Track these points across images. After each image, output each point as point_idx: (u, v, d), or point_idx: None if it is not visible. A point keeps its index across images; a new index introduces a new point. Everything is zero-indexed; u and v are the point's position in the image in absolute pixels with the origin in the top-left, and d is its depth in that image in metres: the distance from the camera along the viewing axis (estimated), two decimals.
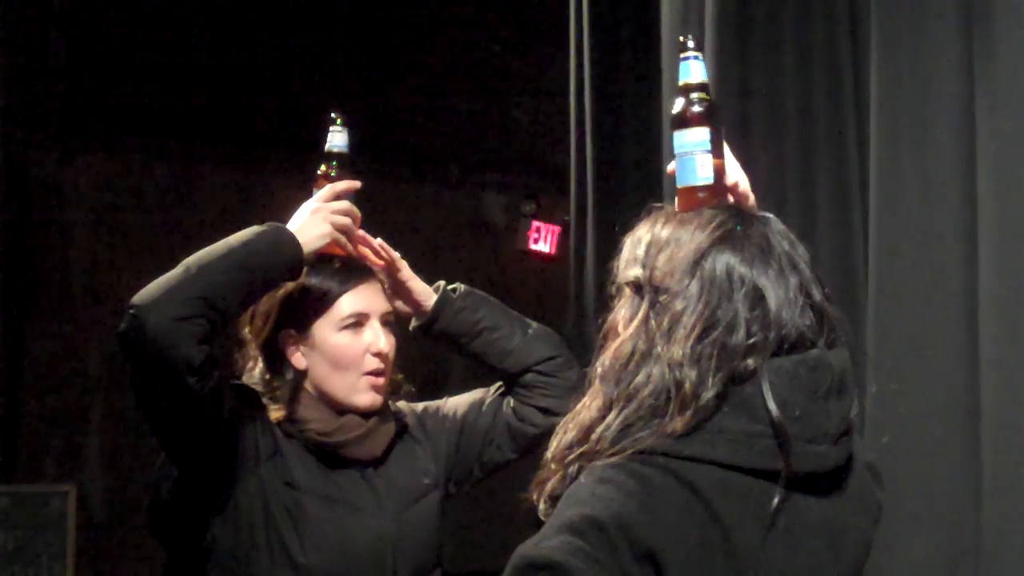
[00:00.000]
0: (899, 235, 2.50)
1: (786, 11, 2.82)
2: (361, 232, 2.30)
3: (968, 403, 2.39)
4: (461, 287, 2.41)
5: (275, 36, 6.20)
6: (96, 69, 5.90)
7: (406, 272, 2.36)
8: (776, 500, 1.39)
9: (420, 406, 2.44)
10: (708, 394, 1.39)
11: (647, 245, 1.52)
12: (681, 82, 1.68)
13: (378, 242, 2.34)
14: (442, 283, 2.40)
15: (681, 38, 1.71)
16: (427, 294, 2.37)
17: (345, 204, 2.20)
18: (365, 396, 2.21)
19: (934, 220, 2.45)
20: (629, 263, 1.53)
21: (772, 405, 1.39)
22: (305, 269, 2.19)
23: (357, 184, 2.23)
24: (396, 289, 2.35)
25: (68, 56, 5.90)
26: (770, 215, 1.57)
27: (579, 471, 1.43)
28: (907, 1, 2.52)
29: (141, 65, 5.90)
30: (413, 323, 2.39)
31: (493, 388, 2.46)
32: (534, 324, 2.44)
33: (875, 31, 2.56)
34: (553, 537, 1.35)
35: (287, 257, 2.09)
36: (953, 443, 2.41)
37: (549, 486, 1.48)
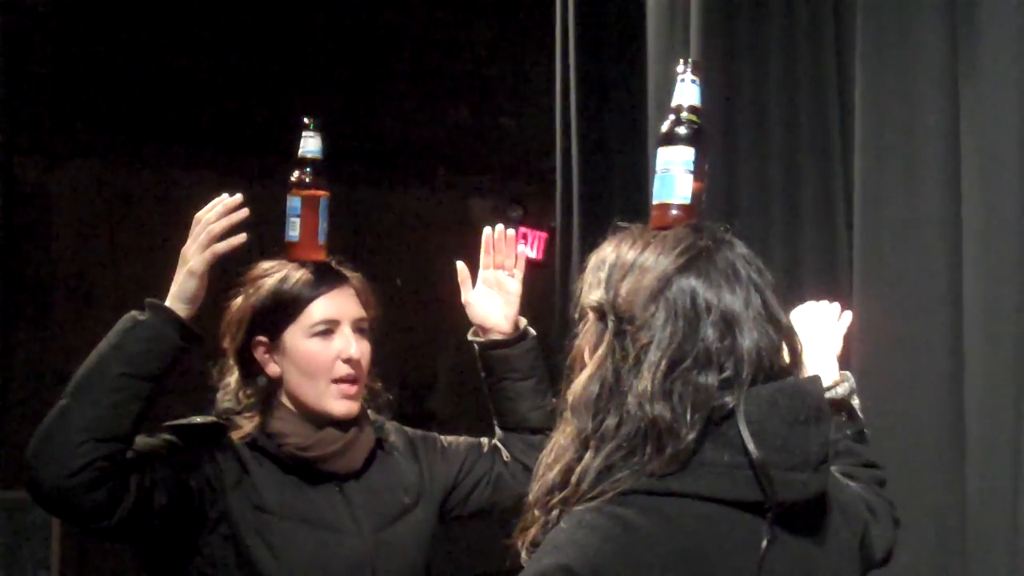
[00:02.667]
0: (883, 239, 2.51)
1: (771, 18, 2.83)
2: (510, 232, 2.38)
3: (953, 405, 2.40)
4: (531, 330, 2.43)
5: (260, 42, 6.19)
6: (80, 75, 5.88)
7: (517, 284, 2.40)
8: (765, 540, 1.38)
9: (411, 430, 2.43)
10: (689, 435, 1.37)
11: (610, 268, 1.49)
12: (674, 102, 1.68)
13: (511, 236, 2.39)
14: (523, 319, 2.42)
15: (681, 60, 1.71)
16: (512, 315, 2.40)
17: (207, 227, 2.10)
18: (338, 403, 2.18)
19: (919, 225, 2.46)
20: (592, 286, 1.51)
21: (750, 442, 1.37)
22: (282, 276, 2.19)
23: (235, 201, 2.13)
24: (490, 292, 2.39)
25: (52, 61, 5.88)
26: (733, 238, 1.54)
27: (560, 516, 1.42)
28: (892, 7, 2.53)
29: (125, 71, 5.89)
30: (479, 335, 2.41)
31: (487, 439, 2.46)
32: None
33: (860, 36, 2.57)
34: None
35: (167, 343, 1.97)
36: (938, 444, 2.42)
37: (531, 532, 1.46)
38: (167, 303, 2.00)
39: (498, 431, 2.44)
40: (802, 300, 1.93)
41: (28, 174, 5.91)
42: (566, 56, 3.73)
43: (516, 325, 2.40)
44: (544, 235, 6.75)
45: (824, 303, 2.04)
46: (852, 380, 1.96)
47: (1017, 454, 2.27)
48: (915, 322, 2.45)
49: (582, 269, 1.55)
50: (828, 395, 1.79)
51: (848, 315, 2.07)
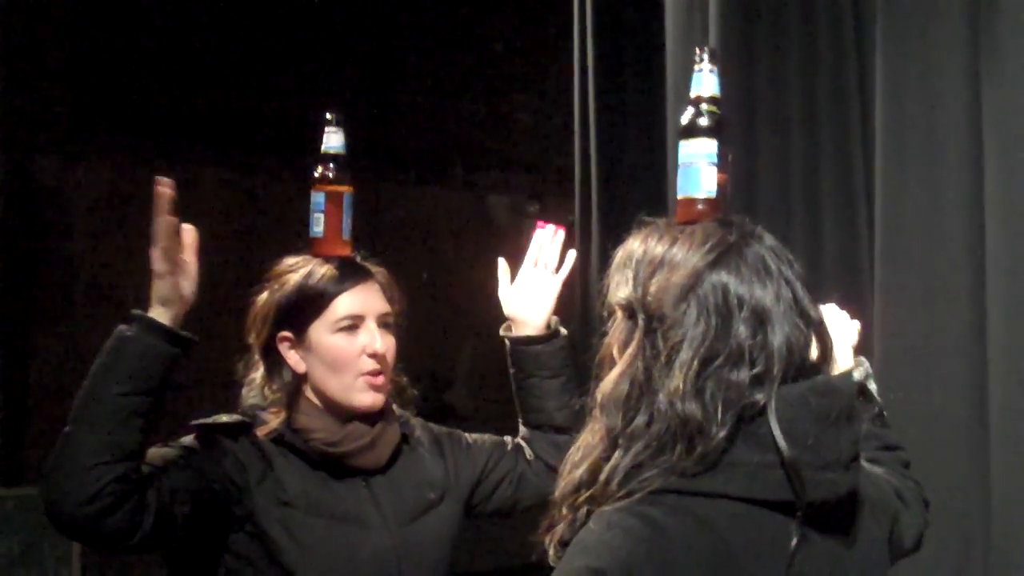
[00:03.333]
0: (904, 239, 2.50)
1: (790, 15, 2.82)
2: (561, 234, 2.42)
3: (975, 405, 2.39)
4: (563, 329, 2.44)
5: (277, 38, 6.20)
6: (98, 73, 5.90)
7: (558, 282, 2.43)
8: (795, 540, 1.37)
9: (436, 426, 2.43)
10: (720, 433, 1.36)
11: (638, 265, 1.48)
12: (693, 93, 1.65)
13: (561, 234, 2.44)
14: (555, 317, 2.44)
15: (697, 49, 1.68)
16: (548, 313, 2.41)
17: (159, 234, 2.04)
18: (364, 396, 2.18)
19: (940, 224, 2.45)
20: (620, 284, 1.49)
21: (781, 440, 1.36)
22: (307, 271, 2.19)
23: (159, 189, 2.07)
24: (530, 287, 2.40)
25: (70, 60, 5.90)
26: (762, 230, 1.53)
27: (588, 515, 1.41)
28: (912, 5, 2.51)
29: (143, 69, 5.91)
30: (511, 331, 2.42)
31: (510, 438, 2.46)
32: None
33: (880, 34, 2.56)
34: None
35: (157, 355, 1.94)
36: (960, 445, 2.41)
37: (559, 531, 1.45)
38: (150, 312, 1.98)
39: (523, 429, 2.44)
40: (823, 298, 1.91)
41: (46, 174, 5.93)
42: (584, 50, 3.72)
43: (548, 323, 2.41)
44: (562, 230, 6.75)
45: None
46: (867, 364, 1.94)
47: None
48: (937, 319, 2.44)
49: (607, 265, 1.53)
50: None
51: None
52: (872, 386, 1.93)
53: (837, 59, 2.74)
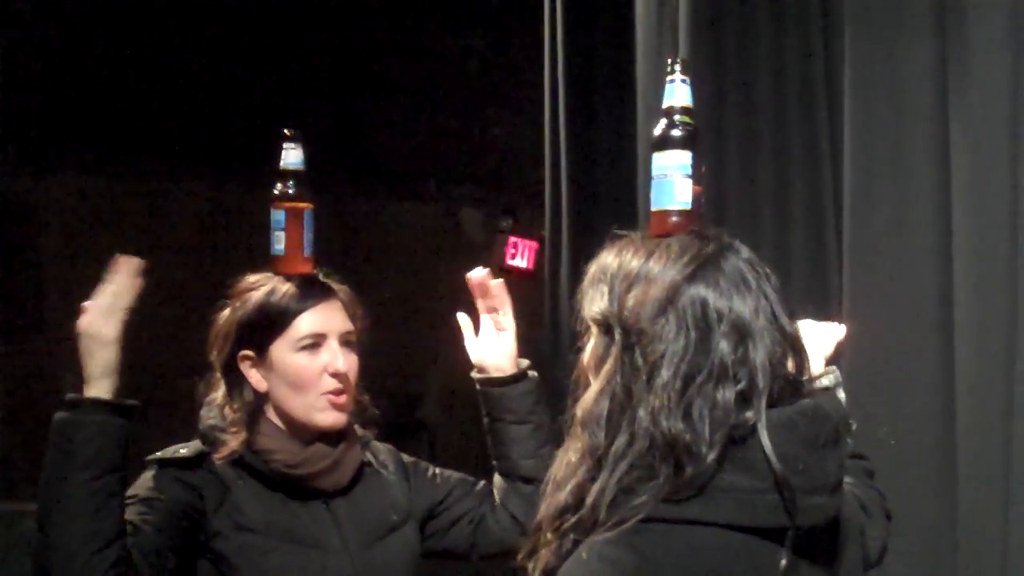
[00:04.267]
0: (873, 249, 2.51)
1: (759, 27, 2.83)
2: (485, 273, 2.31)
3: (943, 414, 2.39)
4: (533, 373, 2.36)
5: (248, 53, 6.19)
6: (69, 87, 5.88)
7: (510, 322, 2.32)
8: (784, 562, 1.34)
9: (405, 455, 2.41)
10: (710, 455, 1.33)
11: (612, 279, 1.45)
12: (665, 104, 1.64)
13: (497, 283, 2.31)
14: (525, 361, 2.36)
15: (669, 60, 1.66)
16: (511, 355, 2.32)
17: (117, 297, 2.00)
18: (326, 415, 2.15)
19: (908, 234, 2.46)
20: (595, 298, 1.46)
21: (776, 462, 1.33)
22: (269, 288, 2.18)
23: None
24: (490, 333, 2.33)
25: (41, 74, 5.87)
26: (737, 242, 1.51)
27: (575, 543, 1.38)
28: (880, 15, 2.52)
29: (113, 83, 5.89)
30: (479, 373, 2.33)
31: (484, 482, 2.40)
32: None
33: (848, 44, 2.57)
34: None
35: (113, 432, 1.89)
36: (928, 452, 2.42)
37: (543, 557, 1.42)
38: (89, 388, 1.93)
39: (496, 476, 2.38)
40: (791, 306, 1.91)
41: (16, 186, 5.90)
42: (554, 64, 3.72)
43: (517, 365, 2.34)
44: (535, 244, 6.75)
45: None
46: (837, 373, 1.93)
47: (1007, 462, 2.27)
48: (904, 329, 2.45)
49: (580, 279, 1.51)
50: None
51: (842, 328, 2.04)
52: (841, 395, 1.92)
53: (805, 69, 2.75)
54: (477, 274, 2.32)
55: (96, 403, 1.91)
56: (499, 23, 6.42)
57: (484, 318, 2.34)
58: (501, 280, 2.33)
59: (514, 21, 5.89)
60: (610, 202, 3.54)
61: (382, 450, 2.35)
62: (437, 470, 2.41)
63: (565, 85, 3.67)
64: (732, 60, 2.85)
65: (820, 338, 1.95)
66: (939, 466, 2.41)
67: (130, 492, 2.00)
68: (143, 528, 1.96)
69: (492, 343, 2.32)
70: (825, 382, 1.87)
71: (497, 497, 2.35)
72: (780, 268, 2.64)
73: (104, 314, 1.97)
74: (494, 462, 2.35)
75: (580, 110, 3.66)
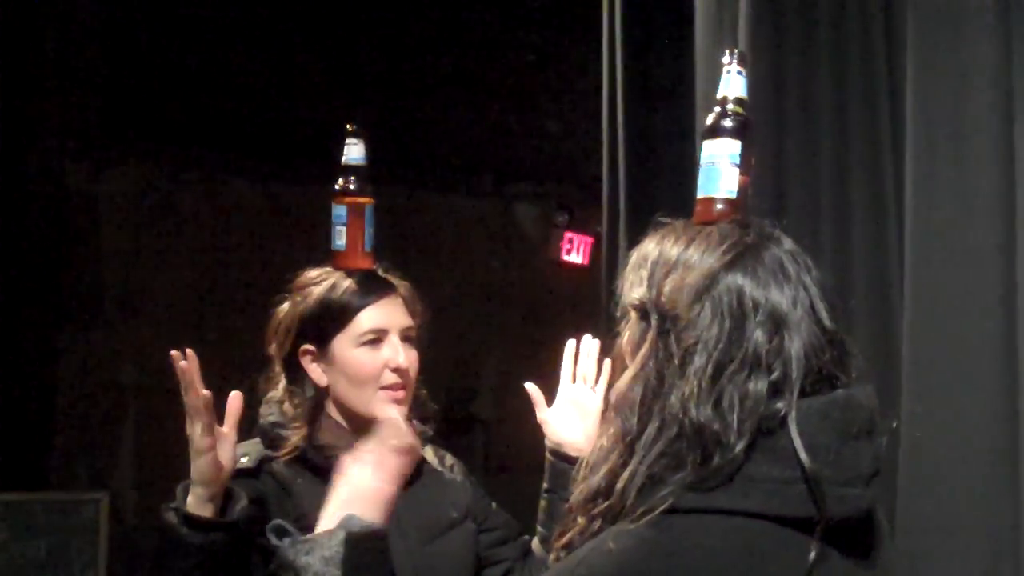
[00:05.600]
0: (935, 244, 2.47)
1: (820, 16, 2.80)
2: (594, 341, 2.29)
3: (1006, 413, 2.35)
4: None
5: (306, 47, 6.22)
6: (129, 80, 5.94)
7: (597, 401, 2.25)
8: (813, 553, 1.33)
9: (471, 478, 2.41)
10: (738, 444, 1.33)
11: (652, 265, 1.46)
12: (719, 94, 1.64)
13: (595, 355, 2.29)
14: None
15: (727, 51, 1.67)
16: (591, 435, 2.28)
17: (194, 412, 1.99)
18: (386, 409, 2.13)
19: (971, 229, 2.42)
20: (634, 284, 1.47)
21: (803, 453, 1.32)
22: (330, 284, 2.19)
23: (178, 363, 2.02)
24: (570, 408, 2.29)
25: (101, 67, 5.94)
26: (780, 233, 1.50)
27: (601, 528, 1.39)
28: (944, 5, 2.49)
29: (174, 77, 5.94)
30: (554, 445, 2.28)
31: (526, 538, 2.38)
32: None
33: (911, 35, 2.54)
34: None
35: (208, 543, 1.93)
36: (990, 453, 2.38)
37: (569, 536, 1.43)
38: (192, 497, 1.95)
39: (535, 542, 2.35)
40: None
41: (78, 180, 5.97)
42: (613, 58, 3.70)
43: None
44: (591, 240, 6.74)
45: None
46: None
47: None
48: (967, 323, 2.41)
49: (623, 265, 1.52)
50: None
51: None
52: None
53: (866, 61, 2.72)
54: (574, 344, 2.29)
55: (191, 520, 1.93)
56: (557, 17, 6.41)
57: (567, 389, 2.29)
58: (596, 354, 2.27)
59: (572, 15, 5.88)
60: (667, 197, 3.52)
61: (449, 457, 2.36)
62: (494, 503, 2.40)
63: (623, 80, 3.65)
64: (792, 52, 2.82)
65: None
66: (1000, 468, 2.37)
67: None
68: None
69: (572, 421, 2.27)
70: None
71: (531, 563, 2.33)
72: (840, 261, 2.64)
73: (195, 427, 1.96)
74: (539, 529, 2.31)
75: (638, 105, 3.64)
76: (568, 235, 6.85)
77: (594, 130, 4.00)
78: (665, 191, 3.54)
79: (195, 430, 1.95)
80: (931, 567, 2.30)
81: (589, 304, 4.68)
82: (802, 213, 2.74)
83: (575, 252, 6.85)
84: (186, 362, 1.98)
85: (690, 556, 1.31)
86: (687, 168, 3.28)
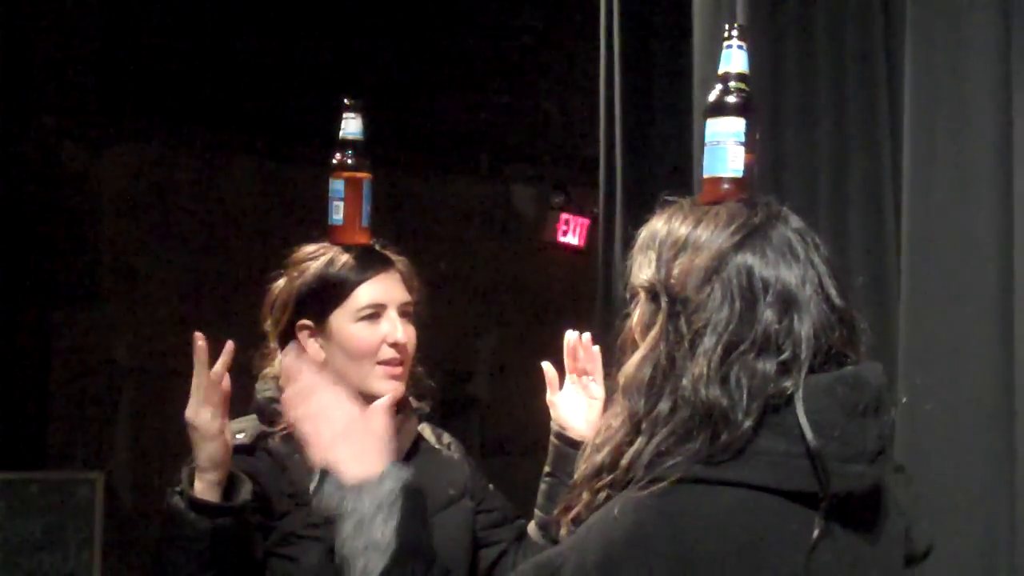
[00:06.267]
0: (932, 230, 2.47)
1: (819, 2, 2.80)
2: (586, 336, 2.26)
3: (1002, 401, 2.36)
4: None
5: (305, 25, 6.20)
6: (128, 60, 5.92)
7: (600, 391, 2.23)
8: (816, 531, 1.34)
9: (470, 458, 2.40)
10: (746, 421, 1.33)
11: (660, 245, 1.46)
12: (721, 70, 1.62)
13: (592, 349, 2.25)
14: None
15: (726, 26, 1.64)
16: (594, 423, 2.21)
17: (206, 394, 1.95)
18: (383, 384, 2.15)
19: (968, 215, 2.42)
20: (643, 265, 1.47)
21: (808, 430, 1.33)
22: (328, 259, 2.18)
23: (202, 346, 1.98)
24: (576, 395, 2.27)
25: (99, 46, 5.92)
26: (787, 211, 1.50)
27: (607, 498, 1.39)
28: None
29: (171, 56, 5.92)
30: (559, 429, 2.26)
31: (522, 520, 2.37)
32: None
33: (910, 21, 2.53)
34: (565, 551, 1.35)
35: (213, 540, 1.93)
36: (986, 440, 2.38)
37: (575, 510, 1.44)
38: (199, 484, 1.94)
39: (531, 525, 2.33)
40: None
41: (75, 159, 5.96)
42: (610, 38, 3.69)
43: None
44: (587, 221, 6.73)
45: None
46: None
47: None
48: (964, 309, 2.41)
49: (631, 246, 1.51)
50: None
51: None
52: None
53: (866, 47, 2.71)
54: (573, 336, 2.29)
55: (200, 505, 1.93)
56: None
57: (572, 379, 2.29)
58: (597, 348, 2.27)
59: None
60: (665, 178, 3.51)
61: (447, 435, 2.35)
62: (491, 485, 2.40)
63: (621, 60, 3.64)
64: (791, 32, 2.82)
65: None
66: (996, 457, 2.38)
67: None
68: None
69: (578, 406, 2.26)
70: None
71: (526, 543, 2.32)
72: (837, 245, 2.64)
73: (203, 406, 1.95)
74: (537, 513, 2.30)
75: (636, 85, 3.63)
76: (564, 216, 6.84)
77: (590, 111, 4.00)
78: (662, 172, 3.53)
79: (203, 414, 1.94)
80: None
81: (585, 285, 4.68)
82: (799, 197, 2.73)
83: (571, 233, 6.84)
84: (204, 343, 1.97)
85: (695, 523, 1.32)
86: (685, 149, 3.28)
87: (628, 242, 3.42)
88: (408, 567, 1.39)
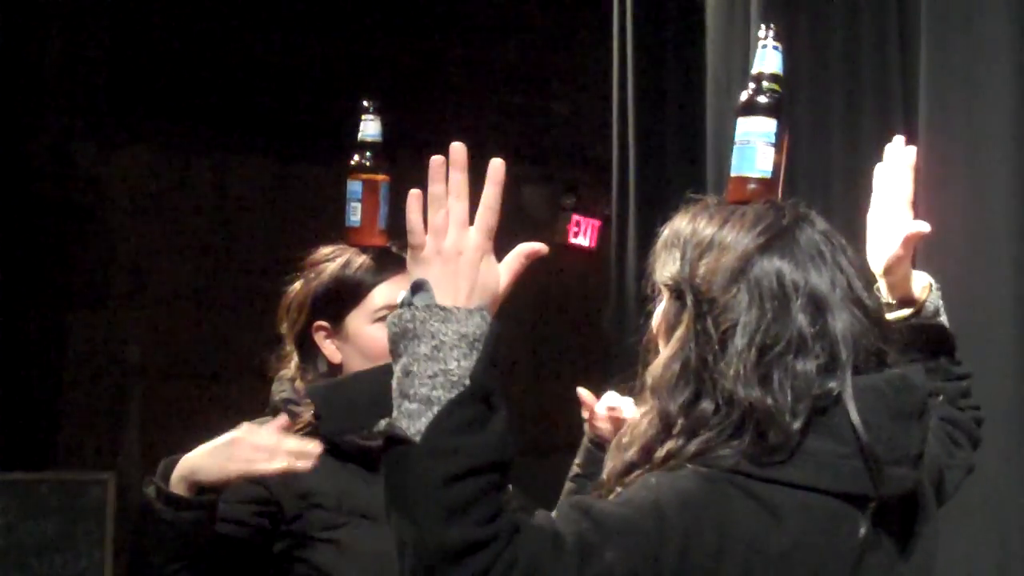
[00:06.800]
0: (947, 229, 2.47)
1: (833, 2, 2.80)
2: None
3: (1017, 400, 2.35)
4: None
5: (315, 27, 6.20)
6: (137, 60, 5.92)
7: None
8: (863, 529, 1.33)
9: None
10: (795, 424, 1.32)
11: (685, 244, 1.44)
12: (755, 70, 1.61)
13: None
14: None
15: (763, 25, 1.64)
16: None
17: (269, 441, 1.90)
18: None
19: (983, 213, 2.42)
20: (667, 263, 1.46)
21: (861, 429, 1.32)
22: (344, 261, 2.18)
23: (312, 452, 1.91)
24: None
25: (110, 46, 5.92)
26: (813, 213, 1.49)
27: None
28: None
29: (181, 56, 5.93)
30: (596, 437, 2.20)
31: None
32: None
33: (924, 23, 2.53)
34: (612, 503, 1.31)
35: (171, 533, 1.88)
36: (1001, 441, 2.37)
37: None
38: (172, 481, 1.90)
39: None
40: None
41: (85, 159, 5.96)
42: (623, 39, 3.70)
43: None
44: (597, 223, 6.72)
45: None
46: (937, 293, 1.88)
47: None
48: (979, 306, 2.41)
49: (648, 254, 1.50)
50: (916, 321, 1.79)
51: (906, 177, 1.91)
52: (943, 318, 1.87)
53: (880, 47, 2.71)
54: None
55: (170, 499, 1.89)
56: None
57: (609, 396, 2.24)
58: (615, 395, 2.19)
59: None
60: (677, 179, 3.52)
61: None
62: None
63: (634, 61, 3.65)
64: (805, 32, 2.82)
65: (885, 237, 1.87)
66: (1011, 450, 2.38)
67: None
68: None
69: (613, 426, 2.19)
70: (929, 307, 1.84)
71: None
72: (850, 245, 2.63)
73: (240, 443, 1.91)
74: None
75: (648, 87, 3.64)
76: (575, 218, 6.83)
77: (602, 112, 4.00)
78: (675, 173, 3.54)
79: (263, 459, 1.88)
80: (940, 554, 2.30)
81: (596, 287, 4.67)
82: (812, 199, 2.73)
83: (582, 235, 6.83)
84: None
85: (739, 509, 1.30)
86: (698, 150, 3.28)
87: (641, 243, 3.45)
88: (473, 408, 1.27)
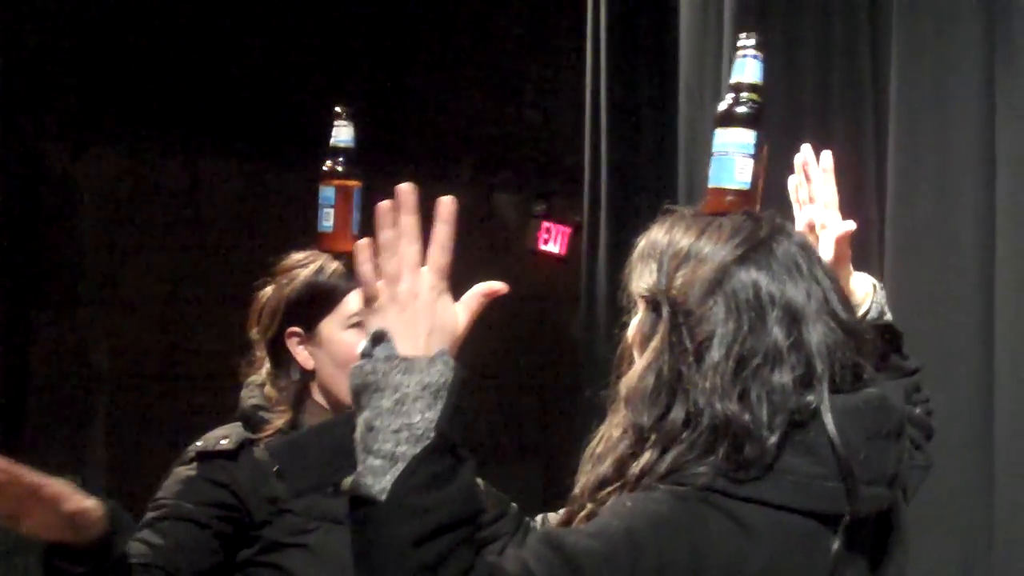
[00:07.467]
0: (915, 234, 2.49)
1: (805, 10, 2.81)
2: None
3: (983, 406, 2.37)
4: None
5: (287, 32, 6.19)
6: (108, 63, 5.89)
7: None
8: (835, 545, 1.32)
9: None
10: (771, 439, 1.31)
11: (662, 255, 1.43)
12: (733, 79, 1.60)
13: None
14: None
15: (743, 34, 1.62)
16: None
17: None
18: None
19: (951, 219, 2.44)
20: (643, 274, 1.44)
21: (839, 445, 1.32)
22: (316, 267, 2.17)
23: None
24: None
25: (80, 49, 5.89)
26: (790, 225, 1.48)
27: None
28: (928, 2, 2.50)
29: (153, 59, 5.90)
30: None
31: (515, 506, 2.30)
32: None
33: (896, 31, 2.55)
34: (584, 534, 1.29)
35: None
36: (967, 447, 2.40)
37: (578, 520, 1.41)
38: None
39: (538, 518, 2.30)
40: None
41: (56, 161, 5.93)
42: (597, 47, 3.71)
43: None
44: (568, 230, 6.73)
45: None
46: (882, 292, 1.86)
47: None
48: (945, 317, 2.43)
49: (621, 262, 1.50)
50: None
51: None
52: (888, 316, 1.85)
53: (851, 56, 2.73)
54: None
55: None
56: (541, 5, 6.40)
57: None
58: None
59: (556, 3, 5.88)
60: (648, 187, 3.52)
61: None
62: (481, 481, 2.37)
63: (607, 69, 3.65)
64: (777, 44, 2.83)
65: (818, 245, 1.85)
66: (977, 464, 2.39)
67: (160, 495, 2.02)
68: (162, 546, 1.94)
69: None
70: (875, 309, 1.82)
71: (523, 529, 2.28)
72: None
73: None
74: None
75: (621, 95, 3.65)
76: (546, 225, 6.83)
77: (574, 120, 4.00)
78: (647, 181, 3.54)
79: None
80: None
81: (566, 293, 4.68)
82: (784, 209, 2.74)
83: (552, 242, 6.83)
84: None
85: (713, 528, 1.29)
86: (670, 159, 3.29)
87: (612, 250, 3.45)
88: (439, 463, 1.24)
